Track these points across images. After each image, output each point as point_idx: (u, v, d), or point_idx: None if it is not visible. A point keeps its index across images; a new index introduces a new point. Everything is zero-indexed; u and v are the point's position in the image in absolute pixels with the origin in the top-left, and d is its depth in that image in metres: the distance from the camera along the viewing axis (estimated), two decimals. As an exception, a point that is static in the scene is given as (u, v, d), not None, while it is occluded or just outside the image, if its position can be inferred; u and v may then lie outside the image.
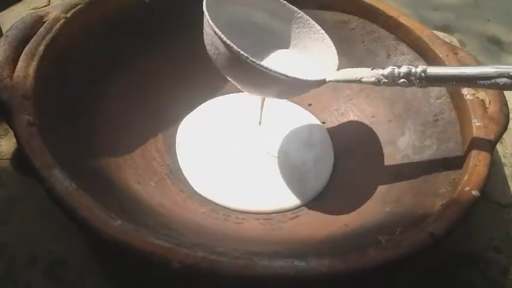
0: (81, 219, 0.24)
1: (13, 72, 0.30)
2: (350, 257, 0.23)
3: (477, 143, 0.31)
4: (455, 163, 0.32)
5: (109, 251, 0.30)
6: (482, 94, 0.34)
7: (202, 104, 0.44)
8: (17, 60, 0.31)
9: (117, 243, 0.23)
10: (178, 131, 0.42)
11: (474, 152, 0.30)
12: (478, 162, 0.30)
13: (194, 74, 0.44)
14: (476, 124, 0.32)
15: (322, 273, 0.23)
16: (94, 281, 0.30)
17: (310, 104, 0.45)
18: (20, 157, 0.36)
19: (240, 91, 0.46)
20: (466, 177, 0.29)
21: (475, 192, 0.28)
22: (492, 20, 0.72)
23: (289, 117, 0.44)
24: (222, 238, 0.31)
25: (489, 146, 0.31)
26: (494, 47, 0.67)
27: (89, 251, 0.31)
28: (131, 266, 0.29)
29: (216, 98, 0.45)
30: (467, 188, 0.28)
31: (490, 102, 0.34)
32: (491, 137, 0.31)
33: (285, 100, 0.45)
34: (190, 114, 0.43)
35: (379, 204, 0.34)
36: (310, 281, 0.23)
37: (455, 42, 0.55)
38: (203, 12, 0.32)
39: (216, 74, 0.45)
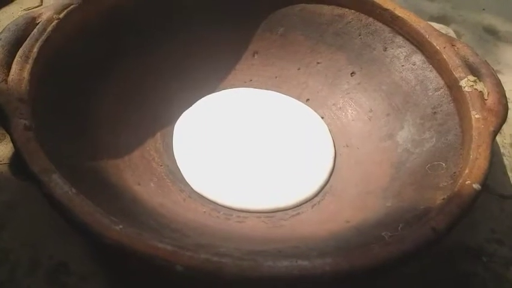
0: (82, 225, 0.24)
1: (7, 75, 0.30)
2: (353, 254, 0.23)
3: (476, 136, 0.31)
4: (455, 156, 0.32)
5: (111, 255, 0.29)
6: (480, 86, 0.34)
7: (198, 101, 0.44)
8: (11, 63, 0.31)
9: (119, 248, 0.23)
10: (174, 130, 0.41)
11: (474, 145, 0.30)
12: (478, 155, 0.30)
13: (190, 71, 0.44)
14: (475, 116, 0.32)
15: (326, 272, 0.23)
16: (96, 285, 0.30)
17: (308, 99, 0.45)
18: (17, 161, 0.36)
19: (236, 86, 0.46)
20: (466, 171, 0.29)
21: (476, 186, 0.28)
22: (487, 10, 0.72)
23: (288, 112, 0.44)
24: (225, 237, 0.31)
25: (489, 138, 0.31)
26: (490, 36, 0.67)
27: (90, 255, 0.31)
28: (134, 270, 0.29)
29: (212, 94, 0.45)
30: (468, 182, 0.28)
31: (488, 93, 0.34)
32: (491, 128, 0.31)
33: (282, 95, 0.45)
34: (185, 112, 0.43)
35: (380, 199, 0.34)
36: (315, 280, 0.23)
37: (452, 34, 0.55)
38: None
39: (212, 71, 0.45)
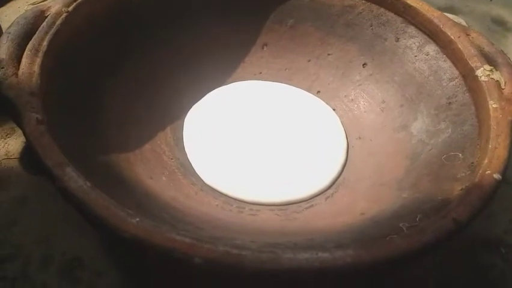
0: (98, 218, 0.23)
1: (18, 69, 0.30)
2: (374, 246, 0.23)
3: (494, 125, 0.31)
4: (472, 146, 0.32)
5: (128, 249, 0.29)
6: (497, 75, 0.33)
7: (208, 95, 0.43)
8: (21, 57, 0.30)
9: (137, 241, 0.22)
10: (184, 123, 0.41)
11: (492, 135, 0.30)
12: (497, 144, 0.29)
13: (199, 64, 0.44)
14: (493, 106, 0.32)
15: (347, 264, 0.22)
16: (111, 280, 0.29)
17: (319, 91, 0.44)
18: (28, 156, 0.36)
19: (245, 79, 0.45)
20: (486, 161, 0.28)
21: (496, 176, 0.27)
22: (495, 0, 0.71)
23: (299, 104, 0.43)
24: (239, 230, 0.31)
25: (507, 127, 0.30)
26: (499, 27, 0.66)
27: (104, 249, 0.30)
28: (151, 263, 0.29)
29: (222, 87, 0.44)
30: (488, 172, 0.27)
31: (505, 83, 0.33)
32: (509, 118, 0.31)
33: (293, 87, 0.45)
34: (195, 105, 0.42)
35: (395, 191, 0.33)
36: (336, 272, 0.22)
37: (464, 24, 0.55)
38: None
39: (221, 64, 0.45)
